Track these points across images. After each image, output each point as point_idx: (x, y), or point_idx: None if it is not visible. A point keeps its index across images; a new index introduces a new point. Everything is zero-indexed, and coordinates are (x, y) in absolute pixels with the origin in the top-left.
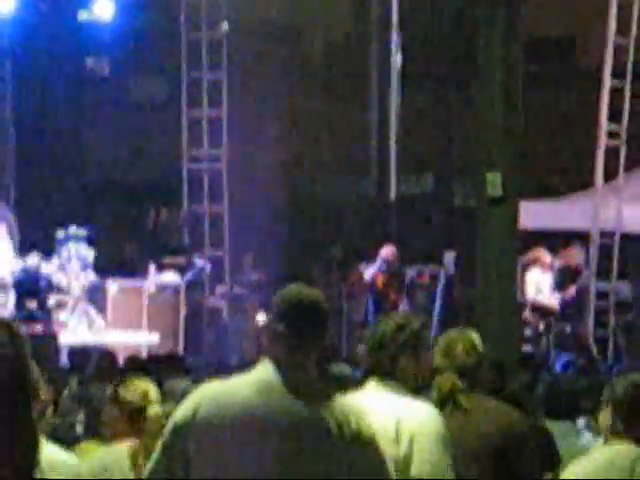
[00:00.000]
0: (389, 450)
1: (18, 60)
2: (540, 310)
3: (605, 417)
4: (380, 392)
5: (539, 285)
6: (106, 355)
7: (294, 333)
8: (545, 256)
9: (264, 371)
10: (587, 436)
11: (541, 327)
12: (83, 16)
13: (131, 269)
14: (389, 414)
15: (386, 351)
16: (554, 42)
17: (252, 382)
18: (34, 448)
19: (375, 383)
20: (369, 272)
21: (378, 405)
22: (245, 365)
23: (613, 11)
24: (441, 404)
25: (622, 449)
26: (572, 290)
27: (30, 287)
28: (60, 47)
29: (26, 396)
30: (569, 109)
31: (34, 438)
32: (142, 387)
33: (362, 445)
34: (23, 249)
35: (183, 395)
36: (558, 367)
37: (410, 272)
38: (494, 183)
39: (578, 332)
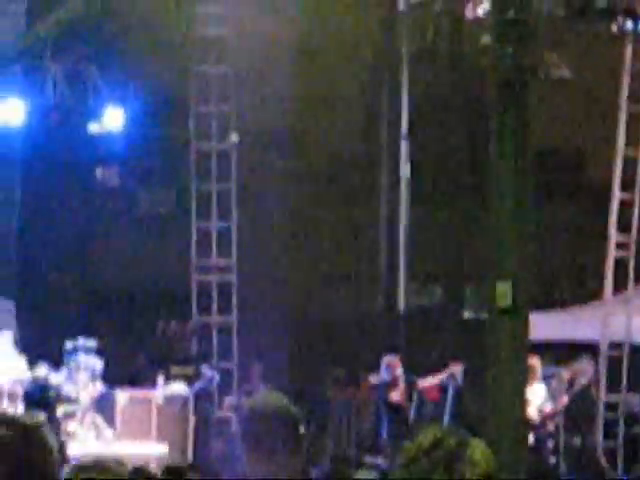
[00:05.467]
0: None
1: (28, 169)
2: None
3: None
4: None
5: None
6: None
7: (253, 446)
8: (537, 366)
9: None
10: None
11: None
12: (94, 127)
13: (140, 379)
14: None
15: (419, 466)
16: (564, 154)
17: None
18: None
19: None
20: (381, 385)
21: None
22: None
23: (622, 124)
24: None
25: None
26: (563, 400)
27: (39, 398)
28: (70, 157)
29: None
30: (578, 220)
31: None
32: None
33: None
34: (32, 360)
35: None
36: None
37: (420, 383)
38: (504, 293)
39: (587, 445)
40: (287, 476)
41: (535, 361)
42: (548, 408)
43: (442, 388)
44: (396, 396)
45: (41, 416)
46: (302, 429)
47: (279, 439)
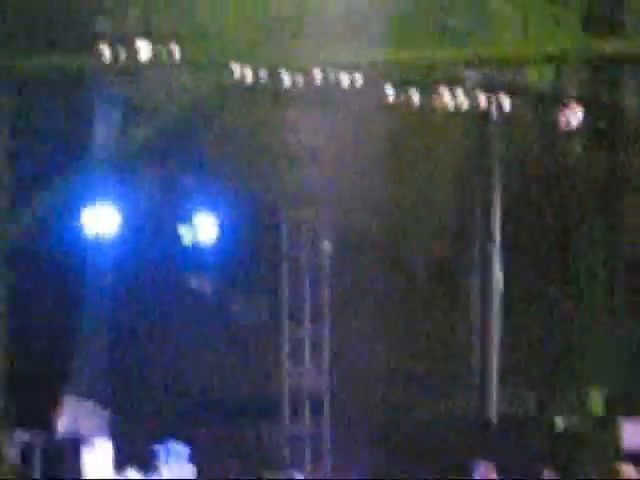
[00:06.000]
0: None
1: (119, 278)
2: None
3: None
4: None
5: None
6: None
7: None
8: (632, 475)
9: None
10: None
11: None
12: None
13: None
14: None
15: None
16: None
17: None
18: None
19: None
20: None
21: None
22: None
23: None
24: None
25: None
26: None
27: None
28: (162, 264)
29: None
30: None
31: None
32: None
33: None
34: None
35: None
36: None
37: None
38: (598, 402)
39: None
40: None
41: (630, 471)
42: None
43: None
44: None
45: None
46: None
47: None
